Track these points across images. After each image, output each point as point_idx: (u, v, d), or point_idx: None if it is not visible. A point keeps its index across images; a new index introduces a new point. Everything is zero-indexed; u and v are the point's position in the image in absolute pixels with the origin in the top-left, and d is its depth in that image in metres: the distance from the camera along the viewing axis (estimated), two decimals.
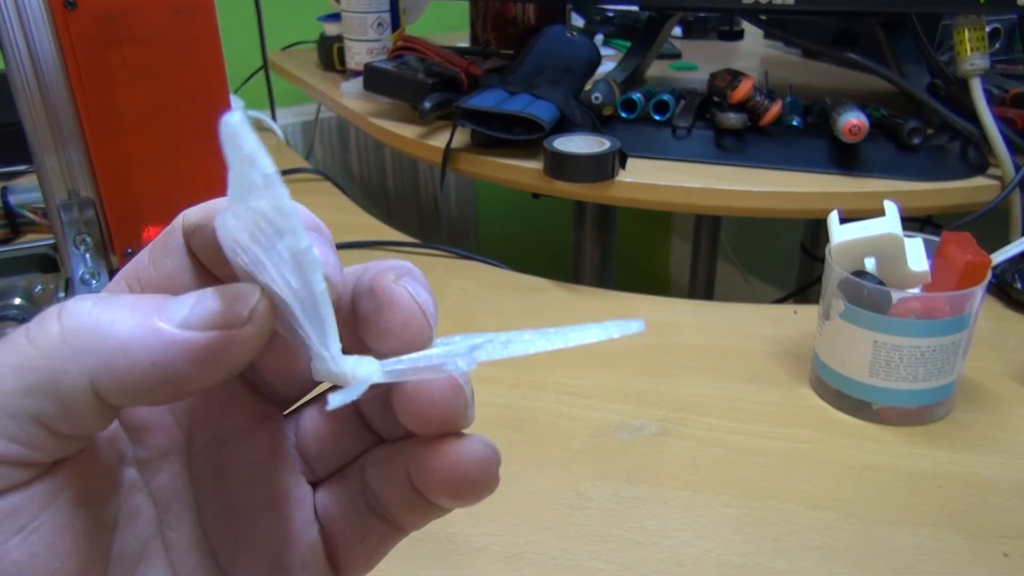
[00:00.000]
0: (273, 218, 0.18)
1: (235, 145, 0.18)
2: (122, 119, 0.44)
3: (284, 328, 0.20)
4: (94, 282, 0.46)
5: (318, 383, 0.23)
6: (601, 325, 0.21)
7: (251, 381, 0.24)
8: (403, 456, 0.23)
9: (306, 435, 0.25)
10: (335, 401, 0.20)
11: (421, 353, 0.21)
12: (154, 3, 0.42)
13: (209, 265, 0.22)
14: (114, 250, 0.47)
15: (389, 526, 0.24)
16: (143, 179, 0.46)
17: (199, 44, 0.44)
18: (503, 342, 0.21)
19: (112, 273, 0.48)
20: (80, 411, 0.18)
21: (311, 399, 0.25)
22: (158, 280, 0.21)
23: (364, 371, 0.21)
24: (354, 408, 0.24)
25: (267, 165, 0.17)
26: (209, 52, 0.44)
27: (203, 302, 0.19)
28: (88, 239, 0.47)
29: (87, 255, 0.47)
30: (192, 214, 0.21)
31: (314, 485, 0.25)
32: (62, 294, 0.47)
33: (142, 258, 0.22)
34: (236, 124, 0.17)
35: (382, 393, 0.22)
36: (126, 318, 0.18)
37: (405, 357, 0.21)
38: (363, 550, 0.24)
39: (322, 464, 0.25)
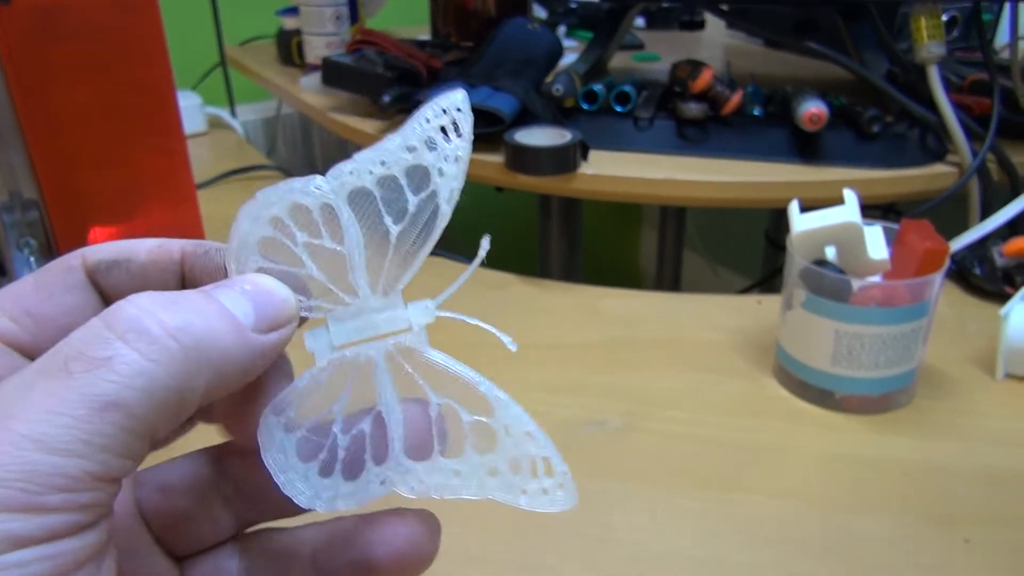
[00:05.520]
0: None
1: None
2: (64, 118, 0.43)
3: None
4: None
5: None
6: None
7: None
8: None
9: (159, 507, 0.24)
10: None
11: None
12: None
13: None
14: (59, 252, 0.46)
15: None
16: (88, 179, 0.44)
17: (142, 40, 0.42)
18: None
19: None
20: (181, 420, 0.19)
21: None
22: (55, 315, 0.21)
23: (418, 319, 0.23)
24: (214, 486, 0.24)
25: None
26: (153, 48, 0.43)
27: (261, 303, 0.20)
28: (32, 242, 0.45)
29: (31, 258, 0.45)
30: (100, 251, 0.22)
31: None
32: None
33: (24, 290, 0.21)
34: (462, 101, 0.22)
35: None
36: (223, 327, 0.19)
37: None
38: None
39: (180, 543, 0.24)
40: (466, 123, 0.22)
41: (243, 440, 0.22)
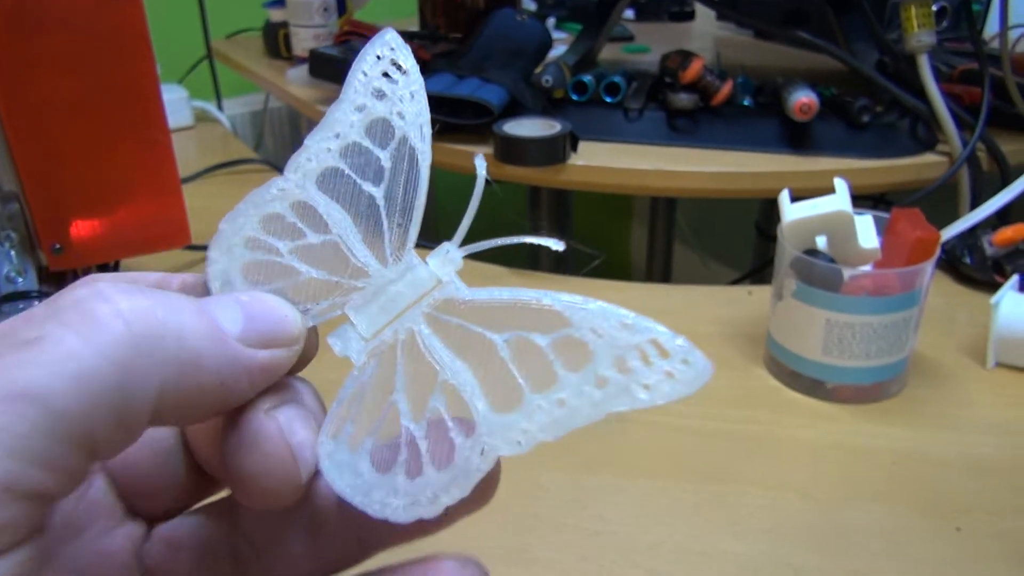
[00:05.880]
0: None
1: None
2: (45, 110, 0.42)
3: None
4: (20, 280, 0.44)
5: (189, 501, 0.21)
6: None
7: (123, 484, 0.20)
8: None
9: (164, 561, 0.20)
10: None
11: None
12: None
13: None
14: (41, 246, 0.45)
15: None
16: (70, 172, 0.44)
17: (125, 31, 0.42)
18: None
19: (40, 271, 0.46)
20: (131, 432, 0.15)
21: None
22: None
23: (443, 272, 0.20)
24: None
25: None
26: (136, 39, 0.42)
27: (254, 316, 0.18)
28: (13, 235, 0.45)
29: (12, 252, 0.44)
30: (106, 279, 0.20)
31: None
32: None
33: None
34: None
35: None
36: (194, 324, 0.16)
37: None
38: None
39: None
40: (406, 57, 0.21)
41: (243, 497, 0.18)
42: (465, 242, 0.21)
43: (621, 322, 0.19)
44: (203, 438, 0.20)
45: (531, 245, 0.21)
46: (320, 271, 0.20)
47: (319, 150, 0.20)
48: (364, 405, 0.19)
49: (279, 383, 0.18)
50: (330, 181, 0.20)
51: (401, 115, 0.20)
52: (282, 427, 0.18)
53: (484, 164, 0.20)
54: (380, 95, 0.21)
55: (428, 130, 0.20)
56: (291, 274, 0.20)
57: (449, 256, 0.20)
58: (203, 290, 0.20)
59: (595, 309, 0.19)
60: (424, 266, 0.20)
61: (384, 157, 0.20)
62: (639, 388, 0.19)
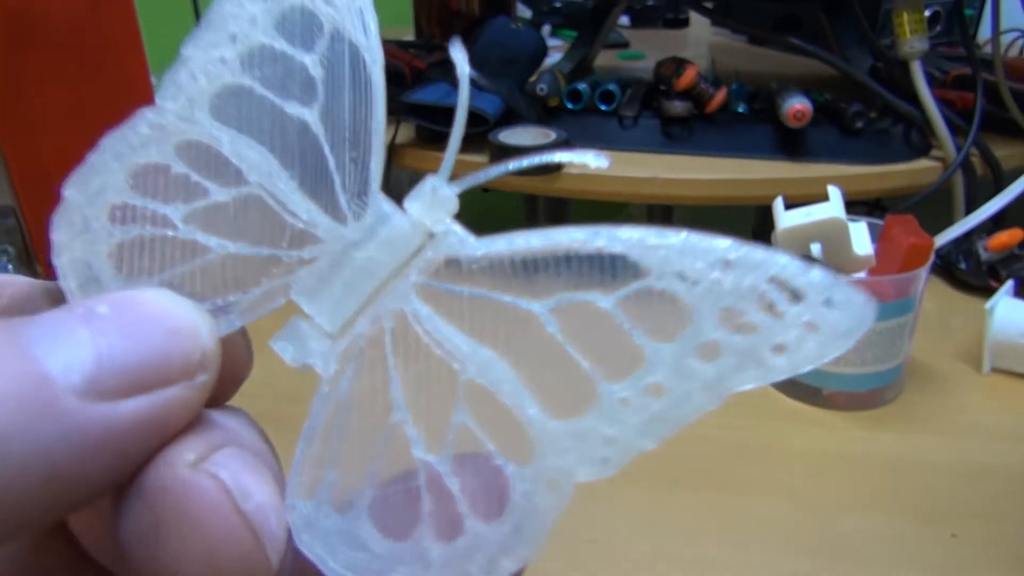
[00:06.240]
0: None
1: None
2: (40, 123, 0.42)
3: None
4: None
5: None
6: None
7: None
8: None
9: None
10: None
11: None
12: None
13: None
14: (39, 260, 0.45)
15: None
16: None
17: (118, 41, 0.42)
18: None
19: None
20: None
21: None
22: None
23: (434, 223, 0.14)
24: None
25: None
26: (129, 49, 0.42)
27: (119, 337, 0.11)
28: (10, 249, 0.45)
29: (9, 266, 0.44)
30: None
31: None
32: None
33: None
34: None
35: None
36: None
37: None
38: None
39: None
40: None
41: None
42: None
43: (720, 258, 0.13)
44: (89, 517, 0.14)
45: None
46: (241, 242, 0.14)
47: (208, 61, 0.14)
48: (348, 436, 0.13)
49: (197, 418, 0.12)
50: (232, 106, 0.14)
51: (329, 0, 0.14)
52: (228, 487, 0.11)
53: (465, 57, 0.14)
54: None
55: (372, 19, 0.15)
56: (194, 252, 0.14)
57: (437, 195, 0.14)
58: (56, 297, 0.14)
59: (678, 244, 0.13)
60: (402, 214, 0.14)
61: (312, 63, 0.14)
62: (769, 352, 0.13)
